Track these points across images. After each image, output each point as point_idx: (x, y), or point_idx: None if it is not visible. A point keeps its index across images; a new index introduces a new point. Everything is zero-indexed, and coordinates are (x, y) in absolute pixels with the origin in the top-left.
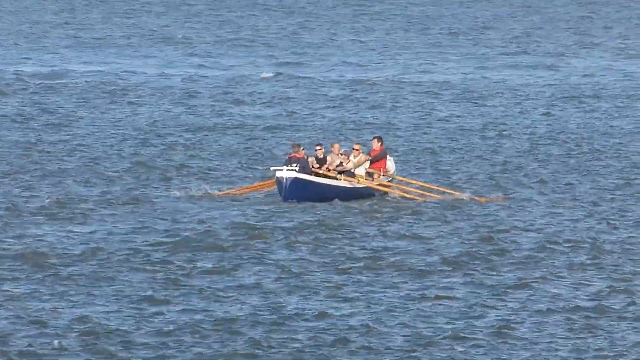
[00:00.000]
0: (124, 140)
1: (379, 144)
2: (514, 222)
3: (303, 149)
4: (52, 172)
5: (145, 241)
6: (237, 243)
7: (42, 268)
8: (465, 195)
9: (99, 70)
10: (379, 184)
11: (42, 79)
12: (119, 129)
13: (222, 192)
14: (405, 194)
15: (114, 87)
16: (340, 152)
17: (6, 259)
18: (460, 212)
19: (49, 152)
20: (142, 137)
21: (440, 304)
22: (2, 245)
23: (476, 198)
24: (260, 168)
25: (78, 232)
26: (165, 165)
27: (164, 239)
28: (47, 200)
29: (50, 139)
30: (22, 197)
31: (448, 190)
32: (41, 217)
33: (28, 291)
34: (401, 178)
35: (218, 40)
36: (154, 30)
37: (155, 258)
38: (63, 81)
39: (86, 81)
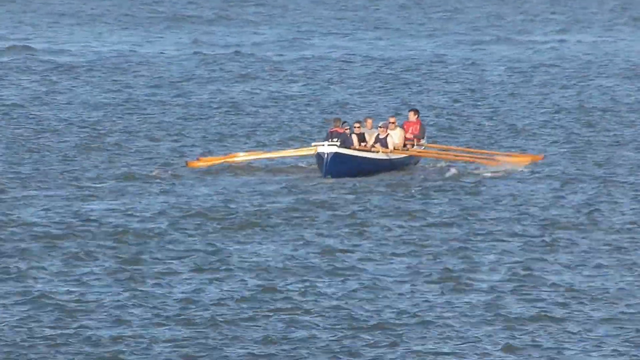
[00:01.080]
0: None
1: (416, 116)
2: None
3: (345, 122)
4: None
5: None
6: (278, 221)
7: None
8: (503, 157)
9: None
10: (418, 151)
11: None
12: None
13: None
14: (445, 156)
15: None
16: (373, 126)
17: None
18: (502, 176)
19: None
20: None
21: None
22: None
23: (513, 156)
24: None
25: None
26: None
27: (188, 214)
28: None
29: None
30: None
31: (487, 152)
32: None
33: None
34: (433, 145)
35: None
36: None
37: (179, 232)
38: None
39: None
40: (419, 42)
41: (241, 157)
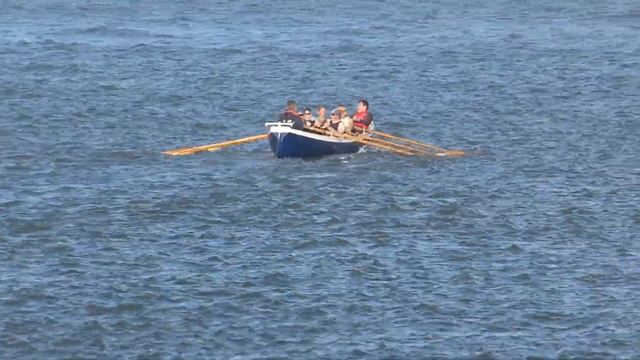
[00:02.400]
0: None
1: (365, 107)
2: (491, 176)
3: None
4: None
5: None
6: (235, 200)
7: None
8: (443, 151)
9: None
10: (365, 139)
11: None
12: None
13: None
14: (389, 147)
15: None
16: (325, 116)
17: None
18: (441, 165)
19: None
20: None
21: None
22: None
23: (455, 152)
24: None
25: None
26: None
27: (153, 200)
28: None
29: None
30: None
31: (429, 146)
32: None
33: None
34: (382, 134)
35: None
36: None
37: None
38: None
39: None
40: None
41: (208, 147)
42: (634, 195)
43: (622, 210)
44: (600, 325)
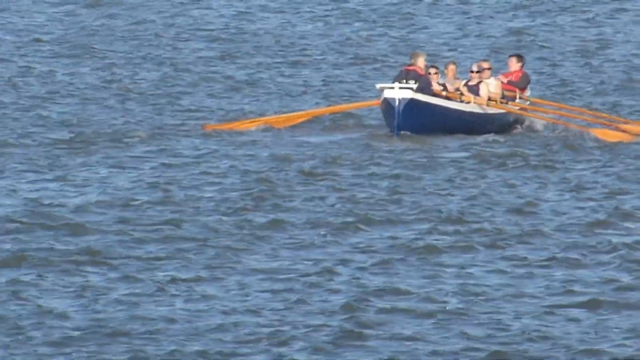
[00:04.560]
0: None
1: (520, 64)
2: None
3: (426, 62)
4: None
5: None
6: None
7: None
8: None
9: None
10: (522, 107)
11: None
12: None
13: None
14: (557, 121)
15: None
16: (457, 76)
17: None
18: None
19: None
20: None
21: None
22: None
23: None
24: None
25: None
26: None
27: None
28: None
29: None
30: None
31: (615, 117)
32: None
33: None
34: (544, 102)
35: None
36: None
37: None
38: None
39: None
40: None
41: (277, 119)
42: None
43: None
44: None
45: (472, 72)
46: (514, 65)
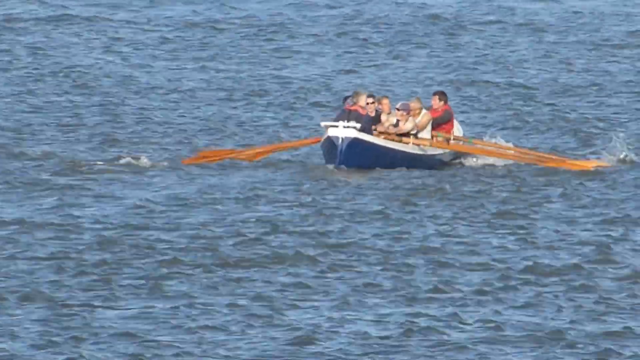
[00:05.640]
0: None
1: (442, 102)
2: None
3: (371, 97)
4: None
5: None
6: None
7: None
8: (567, 159)
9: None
10: (458, 148)
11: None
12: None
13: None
14: (500, 154)
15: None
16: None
17: None
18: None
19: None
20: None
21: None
22: None
23: (584, 163)
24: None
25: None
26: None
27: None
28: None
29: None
30: None
31: (547, 155)
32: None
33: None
34: (481, 142)
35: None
36: None
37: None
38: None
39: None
40: None
41: (243, 153)
42: None
43: None
44: None
45: (398, 110)
46: (437, 103)
